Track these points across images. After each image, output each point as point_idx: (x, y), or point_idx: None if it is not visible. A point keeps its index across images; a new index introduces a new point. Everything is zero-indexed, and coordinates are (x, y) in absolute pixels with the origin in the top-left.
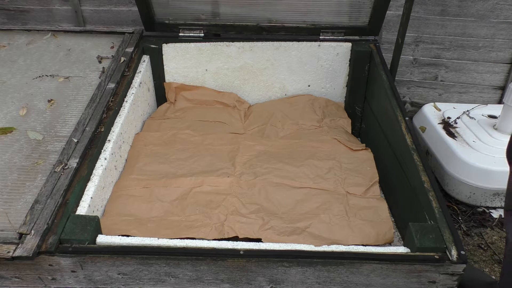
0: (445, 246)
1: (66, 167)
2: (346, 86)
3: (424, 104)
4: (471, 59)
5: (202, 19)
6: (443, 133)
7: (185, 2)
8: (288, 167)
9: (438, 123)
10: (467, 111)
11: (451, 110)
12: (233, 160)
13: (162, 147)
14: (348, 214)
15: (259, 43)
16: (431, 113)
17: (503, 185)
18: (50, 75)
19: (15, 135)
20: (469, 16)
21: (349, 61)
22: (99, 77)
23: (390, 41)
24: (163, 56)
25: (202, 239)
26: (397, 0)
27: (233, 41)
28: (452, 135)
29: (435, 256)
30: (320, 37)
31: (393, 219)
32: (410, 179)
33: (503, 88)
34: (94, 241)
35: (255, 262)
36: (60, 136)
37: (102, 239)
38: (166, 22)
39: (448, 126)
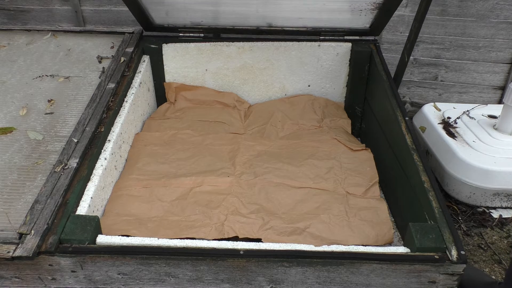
0: (445, 246)
1: (66, 167)
2: (346, 86)
3: (424, 104)
4: (471, 59)
5: (202, 23)
6: (443, 133)
7: (183, 8)
8: (288, 167)
9: (438, 123)
10: (467, 111)
11: (451, 110)
12: (233, 160)
13: (162, 147)
14: (348, 214)
15: (259, 43)
16: (431, 113)
17: (503, 185)
18: (50, 75)
19: (15, 135)
20: (469, 16)
21: (349, 61)
22: (99, 77)
23: (390, 41)
24: (163, 56)
25: (202, 239)
26: None
27: (233, 41)
28: (452, 135)
29: (435, 256)
30: (320, 37)
31: (393, 219)
32: (410, 179)
33: (503, 88)
34: (94, 241)
35: (255, 262)
36: (60, 136)
37: (102, 239)
38: (166, 26)
39: (448, 126)
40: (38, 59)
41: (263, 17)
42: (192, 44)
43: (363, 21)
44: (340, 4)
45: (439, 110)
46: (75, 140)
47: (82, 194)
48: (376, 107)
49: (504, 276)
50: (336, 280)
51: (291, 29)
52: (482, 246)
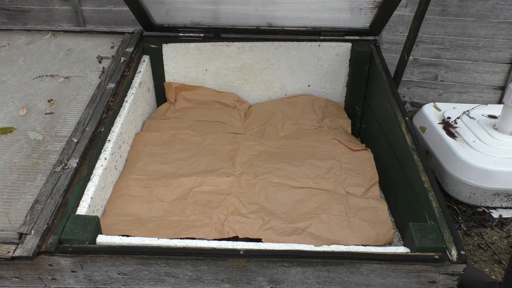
0: (445, 246)
1: (66, 167)
2: (346, 86)
3: (424, 104)
4: (471, 59)
5: (202, 23)
6: (443, 133)
7: (183, 7)
8: (288, 167)
9: (438, 123)
10: (467, 111)
11: (451, 110)
12: (233, 160)
13: (162, 147)
14: (348, 215)
15: (259, 43)
16: (431, 113)
17: (503, 185)
18: (50, 75)
19: (15, 135)
20: (469, 16)
21: (349, 61)
22: (99, 77)
23: (390, 41)
24: (163, 56)
25: (202, 239)
26: None
27: (233, 41)
28: (452, 135)
29: (435, 256)
30: (320, 37)
31: (393, 219)
32: (410, 179)
33: (503, 88)
34: (94, 241)
35: (255, 262)
36: (60, 136)
37: (102, 239)
38: (166, 25)
39: (448, 126)
40: (38, 59)
41: (263, 17)
42: (192, 44)
43: (363, 20)
44: (340, 2)
45: (439, 110)
46: (75, 140)
47: (82, 194)
48: (376, 107)
49: (503, 276)
50: (336, 280)
51: (291, 28)
52: (482, 246)
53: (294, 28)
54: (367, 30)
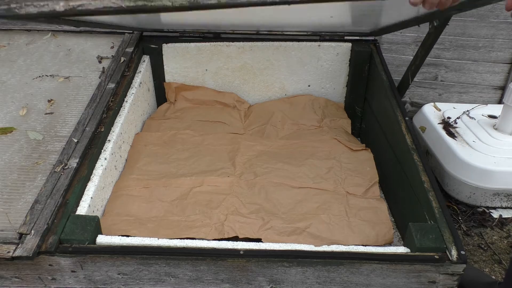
0: (445, 246)
1: (66, 167)
2: (346, 86)
3: (424, 104)
4: (471, 59)
5: (201, 29)
6: (443, 133)
7: (183, 12)
8: (288, 167)
9: (438, 123)
10: (467, 111)
11: (451, 110)
12: (233, 160)
13: (162, 147)
14: (348, 215)
15: (259, 43)
16: (431, 113)
17: (503, 185)
18: (50, 75)
19: (15, 135)
20: (469, 16)
21: (349, 61)
22: (99, 77)
23: (390, 41)
24: (163, 56)
25: (202, 239)
26: None
27: (233, 41)
28: (452, 135)
29: (435, 256)
30: (320, 37)
31: (393, 219)
32: (410, 179)
33: (503, 88)
34: (94, 241)
35: (255, 262)
36: (60, 136)
37: (102, 239)
38: (165, 30)
39: (448, 126)
40: (38, 59)
41: (262, 23)
42: (192, 44)
43: (364, 28)
44: (342, 14)
45: (439, 110)
46: (75, 140)
47: (82, 194)
48: (376, 107)
49: (504, 276)
50: (336, 280)
51: (290, 33)
52: (482, 246)
53: (294, 33)
54: (367, 32)
